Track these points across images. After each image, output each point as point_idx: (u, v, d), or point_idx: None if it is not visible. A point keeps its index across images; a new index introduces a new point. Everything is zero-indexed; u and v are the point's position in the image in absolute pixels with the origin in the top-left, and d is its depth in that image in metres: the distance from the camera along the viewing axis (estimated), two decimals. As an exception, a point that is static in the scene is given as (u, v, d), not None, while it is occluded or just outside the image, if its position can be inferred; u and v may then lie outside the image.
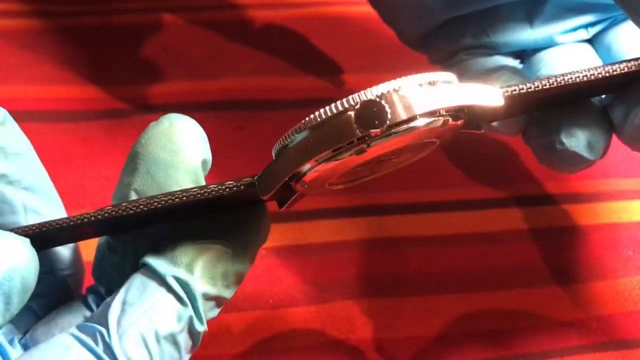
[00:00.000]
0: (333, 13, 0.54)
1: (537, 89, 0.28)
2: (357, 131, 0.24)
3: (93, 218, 0.26)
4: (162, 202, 0.26)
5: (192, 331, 0.27)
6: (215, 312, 0.28)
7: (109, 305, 0.26)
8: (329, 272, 0.41)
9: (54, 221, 0.27)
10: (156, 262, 0.27)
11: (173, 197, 0.26)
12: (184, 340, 0.27)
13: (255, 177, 0.26)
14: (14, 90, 0.46)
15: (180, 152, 0.28)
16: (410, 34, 0.41)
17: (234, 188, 0.26)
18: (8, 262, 0.25)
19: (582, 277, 0.43)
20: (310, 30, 0.53)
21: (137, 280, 0.27)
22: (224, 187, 0.26)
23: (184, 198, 0.26)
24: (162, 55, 0.50)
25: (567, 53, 0.37)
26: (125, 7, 0.53)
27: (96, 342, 0.25)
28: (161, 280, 0.27)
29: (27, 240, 0.26)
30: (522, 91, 0.28)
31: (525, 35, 0.37)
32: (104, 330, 0.26)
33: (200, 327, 0.27)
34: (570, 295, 0.42)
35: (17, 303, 0.26)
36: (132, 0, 0.53)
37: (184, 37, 0.52)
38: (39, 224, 0.27)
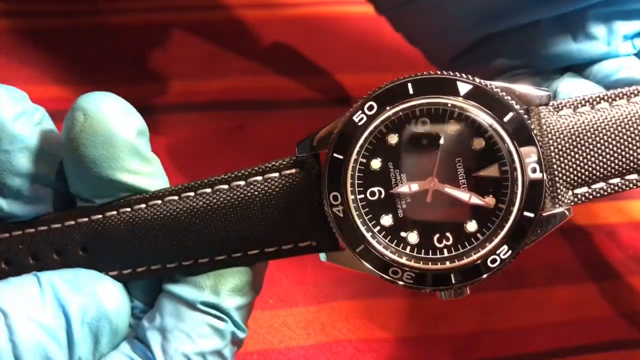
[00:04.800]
0: (333, 13, 0.54)
1: None
2: None
3: None
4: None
5: (235, 340, 0.27)
6: (250, 312, 0.28)
7: (145, 330, 0.27)
8: (329, 272, 0.41)
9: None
10: (181, 290, 0.27)
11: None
12: (229, 351, 0.27)
13: None
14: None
15: (113, 138, 0.26)
16: (438, 56, 0.39)
17: None
18: (99, 306, 0.26)
19: (582, 278, 0.43)
20: (310, 30, 0.53)
21: (169, 306, 0.27)
22: None
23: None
24: (161, 55, 0.50)
25: (629, 63, 0.34)
26: (126, 7, 0.53)
27: None
28: (192, 306, 0.27)
29: (120, 286, 0.27)
30: None
31: (571, 48, 0.34)
32: (152, 356, 0.26)
33: (243, 335, 0.27)
34: (570, 296, 0.42)
35: (106, 343, 0.26)
36: (133, 0, 0.53)
37: (184, 37, 0.52)
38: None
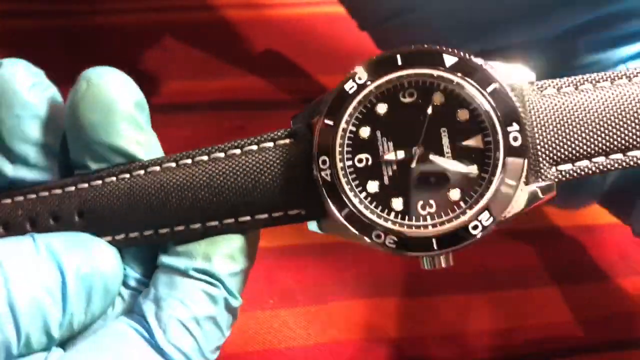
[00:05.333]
0: (333, 13, 0.54)
1: None
2: None
3: None
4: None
5: (229, 308, 0.28)
6: (244, 282, 0.29)
7: (141, 304, 0.27)
8: (329, 272, 0.41)
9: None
10: (174, 260, 0.28)
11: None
12: (224, 319, 0.28)
13: None
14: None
15: (112, 106, 0.27)
16: None
17: None
18: (92, 265, 0.27)
19: (582, 278, 0.43)
20: (310, 30, 0.53)
21: (163, 278, 0.28)
22: None
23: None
24: (161, 55, 0.50)
25: None
26: (126, 7, 0.53)
27: (149, 333, 0.27)
28: (184, 274, 0.27)
29: (115, 250, 0.28)
30: None
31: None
32: (147, 325, 0.27)
33: (236, 303, 0.28)
34: (570, 296, 0.42)
35: (98, 303, 0.27)
36: (132, 1, 0.53)
37: (184, 37, 0.52)
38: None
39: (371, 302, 0.41)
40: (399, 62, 0.27)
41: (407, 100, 0.28)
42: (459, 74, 0.27)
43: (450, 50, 0.27)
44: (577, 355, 0.40)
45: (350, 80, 0.28)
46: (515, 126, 0.27)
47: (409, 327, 0.40)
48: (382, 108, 0.28)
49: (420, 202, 0.27)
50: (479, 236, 0.27)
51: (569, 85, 0.28)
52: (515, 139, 0.27)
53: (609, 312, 0.41)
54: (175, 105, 0.47)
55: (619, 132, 0.27)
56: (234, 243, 0.28)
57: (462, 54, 0.27)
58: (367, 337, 0.39)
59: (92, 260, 0.27)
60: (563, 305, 0.41)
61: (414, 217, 0.27)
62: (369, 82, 0.28)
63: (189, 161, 0.29)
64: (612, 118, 0.27)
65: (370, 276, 0.42)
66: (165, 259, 0.28)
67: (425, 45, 0.28)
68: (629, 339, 0.41)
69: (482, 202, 0.27)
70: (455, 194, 0.27)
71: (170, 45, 0.51)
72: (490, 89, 0.27)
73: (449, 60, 0.27)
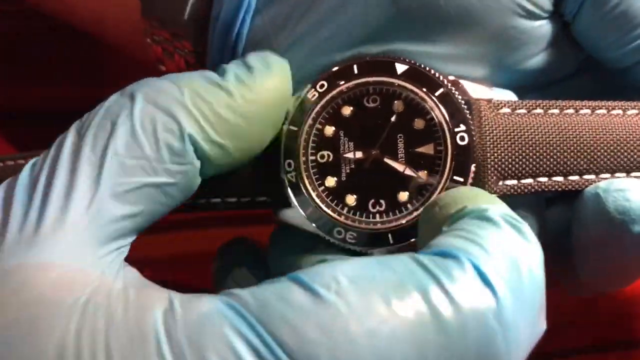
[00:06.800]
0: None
1: None
2: None
3: None
4: None
5: None
6: None
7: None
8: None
9: None
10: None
11: None
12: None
13: None
14: (19, 91, 0.47)
15: None
16: None
17: None
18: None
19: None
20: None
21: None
22: None
23: None
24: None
25: None
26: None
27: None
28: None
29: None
30: None
31: None
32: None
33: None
34: (570, 296, 0.42)
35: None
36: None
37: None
38: None
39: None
40: (355, 72, 0.30)
41: (371, 105, 0.30)
42: (411, 81, 0.29)
43: (401, 59, 0.30)
44: (578, 355, 0.40)
45: (312, 90, 0.30)
46: (462, 127, 0.29)
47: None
48: (347, 110, 0.30)
49: (372, 201, 0.30)
50: None
51: (522, 108, 0.30)
52: (462, 139, 0.29)
53: (609, 312, 0.41)
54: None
55: (561, 157, 0.29)
56: None
57: (412, 62, 0.30)
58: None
59: None
60: (563, 305, 0.41)
61: (364, 215, 0.30)
62: (330, 89, 0.30)
63: None
64: (557, 143, 0.29)
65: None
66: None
67: (379, 57, 0.30)
68: (629, 339, 0.41)
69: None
70: (404, 195, 0.30)
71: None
72: (438, 92, 0.29)
73: (400, 68, 0.30)
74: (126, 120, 0.27)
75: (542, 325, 0.24)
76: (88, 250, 0.25)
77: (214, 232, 0.36)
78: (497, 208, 0.25)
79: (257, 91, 0.29)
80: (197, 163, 0.27)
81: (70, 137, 0.27)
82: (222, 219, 0.40)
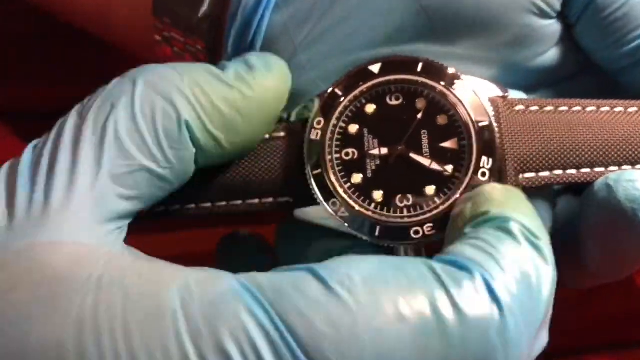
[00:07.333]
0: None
1: None
2: None
3: None
4: None
5: None
6: None
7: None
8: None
9: None
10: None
11: None
12: None
13: None
14: (19, 91, 0.46)
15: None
16: None
17: None
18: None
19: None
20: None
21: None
22: None
23: None
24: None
25: None
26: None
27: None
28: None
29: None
30: None
31: None
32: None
33: None
34: (570, 296, 0.42)
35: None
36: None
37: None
38: None
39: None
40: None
41: (394, 102, 0.31)
42: (442, 83, 0.30)
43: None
44: (577, 355, 0.40)
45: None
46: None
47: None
48: (370, 108, 0.31)
49: (399, 196, 0.30)
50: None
51: (534, 105, 0.31)
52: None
53: (610, 312, 0.41)
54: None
55: (574, 151, 0.31)
56: None
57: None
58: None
59: None
60: (563, 305, 0.41)
61: (392, 209, 0.30)
62: (353, 89, 0.31)
63: None
64: (570, 138, 0.31)
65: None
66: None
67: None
68: (629, 339, 0.41)
69: (455, 197, 0.29)
70: (430, 189, 0.30)
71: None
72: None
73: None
74: (126, 104, 0.27)
75: (544, 339, 0.25)
76: (94, 228, 0.25)
77: (221, 231, 0.36)
78: (520, 219, 0.26)
79: (255, 89, 0.29)
80: (193, 150, 0.28)
81: (72, 119, 0.27)
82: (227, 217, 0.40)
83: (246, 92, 0.29)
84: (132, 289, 0.23)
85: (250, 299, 0.23)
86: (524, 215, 0.27)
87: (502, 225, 0.26)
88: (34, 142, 0.27)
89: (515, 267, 0.24)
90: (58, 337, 0.22)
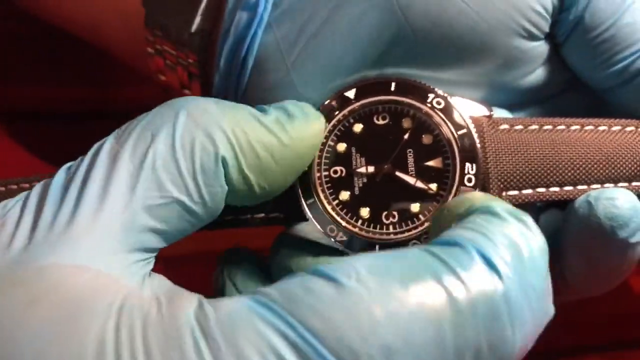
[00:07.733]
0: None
1: None
2: None
3: None
4: None
5: None
6: None
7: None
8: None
9: None
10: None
11: None
12: None
13: None
14: (19, 91, 0.46)
15: None
16: None
17: None
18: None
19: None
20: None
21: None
22: None
23: None
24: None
25: None
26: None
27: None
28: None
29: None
30: None
31: None
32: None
33: None
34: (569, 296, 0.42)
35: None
36: None
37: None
38: None
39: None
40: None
41: (381, 122, 0.32)
42: (428, 104, 0.31)
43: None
44: (577, 355, 0.40)
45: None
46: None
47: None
48: (358, 127, 0.32)
49: (385, 213, 0.31)
50: None
51: (519, 124, 0.32)
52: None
53: (610, 312, 0.41)
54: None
55: (557, 169, 0.31)
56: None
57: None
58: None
59: None
60: (563, 305, 0.41)
61: (378, 226, 0.31)
62: (340, 108, 0.32)
63: None
64: (553, 157, 0.31)
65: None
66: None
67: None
68: (629, 339, 0.41)
69: None
70: (415, 207, 0.31)
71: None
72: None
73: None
74: (167, 134, 0.27)
75: (549, 310, 0.26)
76: (119, 255, 0.25)
77: (216, 232, 0.36)
78: (504, 205, 0.27)
79: (293, 137, 0.29)
80: (226, 188, 0.28)
81: (109, 144, 0.27)
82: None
83: (284, 139, 0.29)
84: (151, 315, 0.23)
85: (264, 310, 0.23)
86: (507, 204, 0.27)
87: (488, 210, 0.26)
88: (68, 164, 0.27)
89: (505, 239, 0.25)
90: (77, 357, 0.22)
